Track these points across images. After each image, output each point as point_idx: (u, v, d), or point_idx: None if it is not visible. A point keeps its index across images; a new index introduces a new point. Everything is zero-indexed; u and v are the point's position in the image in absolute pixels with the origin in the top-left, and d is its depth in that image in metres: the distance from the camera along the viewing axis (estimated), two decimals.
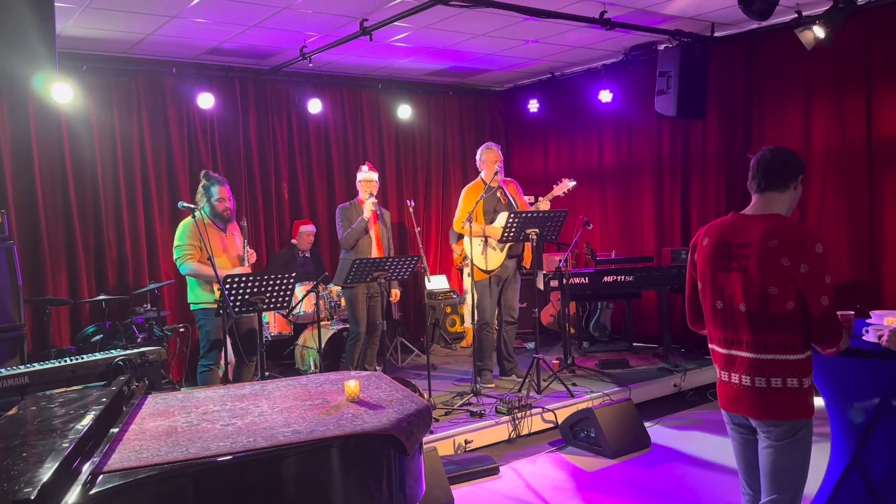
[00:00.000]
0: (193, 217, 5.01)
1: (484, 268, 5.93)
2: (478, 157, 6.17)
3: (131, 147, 6.79)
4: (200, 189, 5.28)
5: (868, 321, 3.33)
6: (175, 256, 5.22)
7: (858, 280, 5.92)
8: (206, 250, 4.86)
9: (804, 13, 5.93)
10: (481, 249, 5.91)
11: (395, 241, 8.46)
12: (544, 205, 6.02)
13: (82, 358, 4.26)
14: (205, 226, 5.11)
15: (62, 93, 6.00)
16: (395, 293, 6.31)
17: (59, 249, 6.46)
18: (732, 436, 2.84)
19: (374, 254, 6.01)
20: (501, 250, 5.95)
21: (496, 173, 5.97)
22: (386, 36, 6.34)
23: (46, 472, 1.93)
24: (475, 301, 5.94)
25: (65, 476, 2.00)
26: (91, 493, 1.97)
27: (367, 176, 6.04)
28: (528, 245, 6.05)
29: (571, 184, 6.06)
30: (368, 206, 5.90)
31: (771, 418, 2.59)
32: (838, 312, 3.06)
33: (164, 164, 6.98)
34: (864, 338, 3.06)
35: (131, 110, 6.80)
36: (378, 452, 2.38)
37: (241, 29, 6.04)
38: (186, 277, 5.28)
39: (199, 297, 5.20)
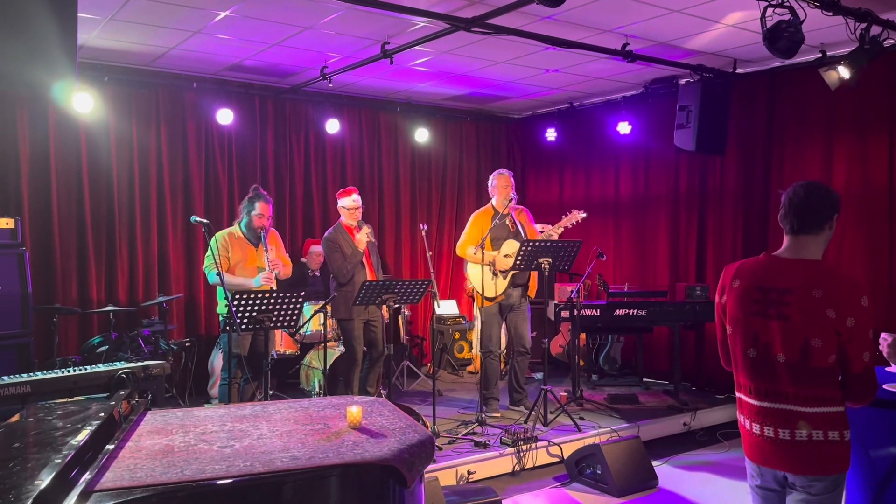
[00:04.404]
0: (207, 230, 5.00)
1: (485, 294, 5.86)
2: (489, 182, 6.13)
3: (148, 159, 6.82)
4: (245, 200, 5.44)
5: (888, 369, 3.24)
6: (204, 266, 5.37)
7: (877, 326, 5.77)
8: (227, 262, 5.23)
9: (828, 53, 5.89)
10: (485, 276, 5.83)
11: (407, 264, 8.45)
12: (555, 234, 5.91)
13: (85, 369, 4.23)
14: (235, 238, 5.37)
15: (83, 103, 6.03)
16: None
17: (71, 258, 6.47)
18: (755, 487, 2.66)
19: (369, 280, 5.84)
20: (504, 278, 5.87)
21: (511, 200, 5.92)
22: (407, 59, 6.35)
23: (38, 488, 1.90)
24: (481, 328, 5.88)
25: (57, 492, 1.96)
26: None
27: (357, 203, 5.76)
28: (533, 274, 5.97)
29: (581, 215, 5.97)
30: (363, 237, 5.64)
31: (813, 473, 2.44)
32: None
33: (180, 178, 6.99)
34: (885, 387, 2.97)
35: (150, 123, 6.83)
36: (378, 483, 2.31)
37: (263, 47, 6.08)
38: (216, 289, 5.37)
39: (223, 308, 5.24)
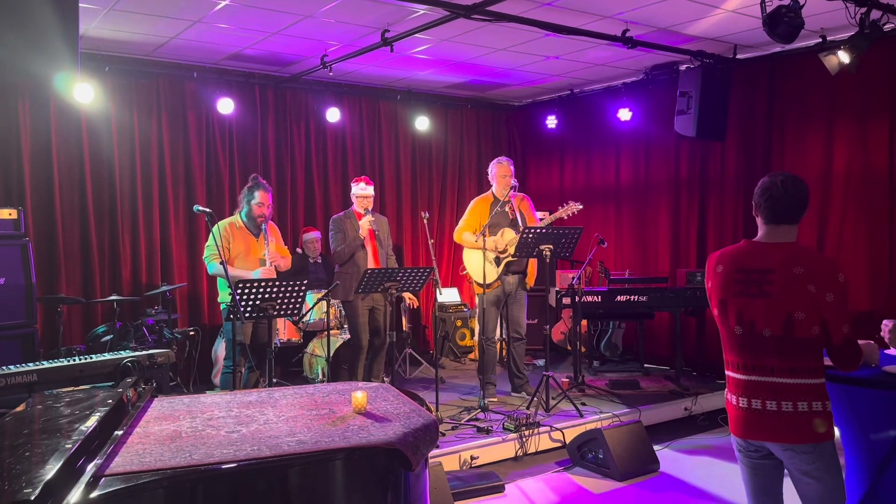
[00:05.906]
0: (210, 220, 5.01)
1: (480, 281, 5.86)
2: (489, 170, 6.15)
3: (150, 149, 6.83)
4: (245, 190, 5.42)
5: (886, 352, 3.27)
6: (204, 255, 5.35)
7: (877, 309, 5.82)
8: (227, 252, 5.16)
9: (829, 38, 5.88)
10: (480, 264, 5.82)
11: (408, 252, 8.47)
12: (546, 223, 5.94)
13: (91, 358, 4.26)
14: (236, 228, 5.34)
15: (84, 93, 6.04)
16: (410, 298, 6.15)
17: (74, 248, 6.50)
18: (744, 462, 2.79)
19: (372, 266, 5.89)
20: (497, 265, 5.90)
21: (512, 188, 5.94)
22: (407, 47, 6.35)
23: (48, 473, 1.91)
24: (480, 316, 5.91)
25: (67, 477, 1.98)
26: (92, 495, 1.94)
27: (364, 192, 5.82)
28: (532, 262, 5.99)
29: (577, 206, 5.99)
30: (365, 224, 5.71)
31: (800, 441, 2.57)
32: (859, 342, 3.00)
33: (181, 168, 7.01)
34: (885, 369, 3.00)
35: (151, 113, 6.84)
36: (383, 466, 2.34)
37: (263, 36, 6.07)
38: (217, 278, 5.37)
39: (225, 297, 5.26)
